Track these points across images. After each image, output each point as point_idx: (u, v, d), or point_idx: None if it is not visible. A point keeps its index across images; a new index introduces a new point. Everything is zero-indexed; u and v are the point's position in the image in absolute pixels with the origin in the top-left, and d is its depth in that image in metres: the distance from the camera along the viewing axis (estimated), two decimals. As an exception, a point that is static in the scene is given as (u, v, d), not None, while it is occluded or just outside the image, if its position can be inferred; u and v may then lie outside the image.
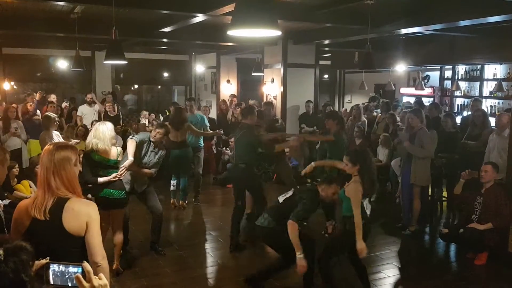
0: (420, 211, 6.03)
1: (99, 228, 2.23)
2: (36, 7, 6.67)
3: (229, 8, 5.25)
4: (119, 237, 4.55)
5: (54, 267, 1.54)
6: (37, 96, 10.61)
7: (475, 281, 4.81)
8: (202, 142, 7.66)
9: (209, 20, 6.80)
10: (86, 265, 1.48)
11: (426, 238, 6.25)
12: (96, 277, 1.47)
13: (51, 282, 1.54)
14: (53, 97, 10.37)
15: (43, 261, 1.60)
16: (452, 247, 5.64)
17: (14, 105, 8.63)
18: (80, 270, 1.49)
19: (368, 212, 4.02)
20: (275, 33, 2.36)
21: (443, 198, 7.20)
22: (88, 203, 2.29)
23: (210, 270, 4.95)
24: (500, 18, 5.68)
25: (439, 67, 11.49)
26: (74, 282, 1.49)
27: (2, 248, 1.08)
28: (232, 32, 2.38)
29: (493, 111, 9.72)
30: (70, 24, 7.06)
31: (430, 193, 6.77)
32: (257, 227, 4.27)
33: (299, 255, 3.90)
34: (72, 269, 1.51)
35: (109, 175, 4.38)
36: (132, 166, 4.65)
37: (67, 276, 1.52)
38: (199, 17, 6.30)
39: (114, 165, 4.45)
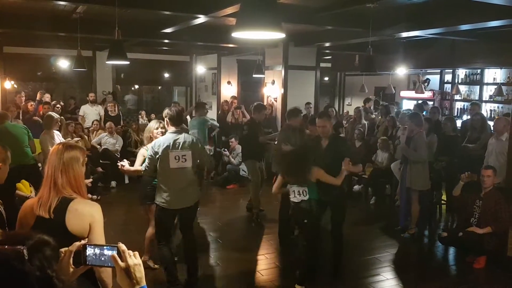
0: (420, 214, 6.04)
1: (102, 229, 2.24)
2: (38, 7, 6.68)
3: (231, 9, 5.26)
4: (150, 231, 4.74)
5: (90, 248, 1.61)
6: (38, 96, 10.64)
7: (474, 285, 4.83)
8: (206, 143, 7.73)
9: (210, 21, 6.82)
10: (121, 245, 1.54)
11: (425, 241, 6.26)
12: (132, 255, 1.53)
13: (88, 262, 1.61)
14: (47, 97, 10.37)
15: (83, 242, 1.67)
16: (451, 251, 5.65)
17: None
18: (115, 251, 1.54)
19: (295, 200, 4.19)
20: (280, 35, 2.38)
21: (443, 202, 7.22)
22: (92, 204, 2.30)
23: (210, 271, 4.94)
24: (501, 23, 5.70)
25: (439, 70, 11.52)
26: (109, 263, 1.56)
27: (25, 247, 1.06)
28: (236, 34, 2.40)
29: (492, 115, 9.75)
30: (72, 24, 7.06)
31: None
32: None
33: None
34: (107, 251, 1.58)
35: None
36: None
37: (102, 258, 1.58)
38: (201, 18, 6.31)
39: None
